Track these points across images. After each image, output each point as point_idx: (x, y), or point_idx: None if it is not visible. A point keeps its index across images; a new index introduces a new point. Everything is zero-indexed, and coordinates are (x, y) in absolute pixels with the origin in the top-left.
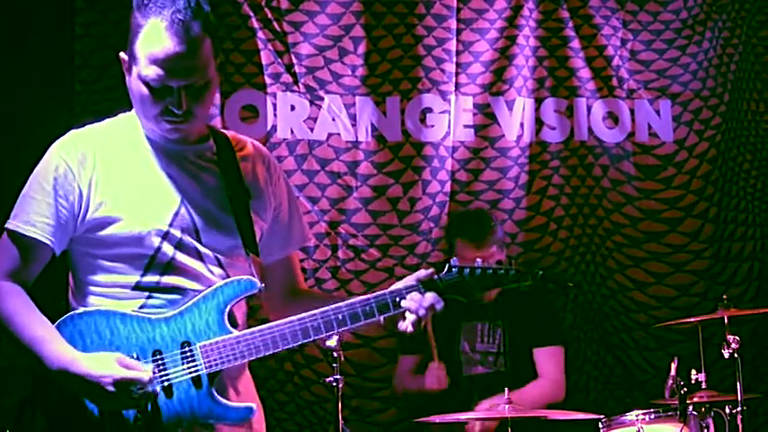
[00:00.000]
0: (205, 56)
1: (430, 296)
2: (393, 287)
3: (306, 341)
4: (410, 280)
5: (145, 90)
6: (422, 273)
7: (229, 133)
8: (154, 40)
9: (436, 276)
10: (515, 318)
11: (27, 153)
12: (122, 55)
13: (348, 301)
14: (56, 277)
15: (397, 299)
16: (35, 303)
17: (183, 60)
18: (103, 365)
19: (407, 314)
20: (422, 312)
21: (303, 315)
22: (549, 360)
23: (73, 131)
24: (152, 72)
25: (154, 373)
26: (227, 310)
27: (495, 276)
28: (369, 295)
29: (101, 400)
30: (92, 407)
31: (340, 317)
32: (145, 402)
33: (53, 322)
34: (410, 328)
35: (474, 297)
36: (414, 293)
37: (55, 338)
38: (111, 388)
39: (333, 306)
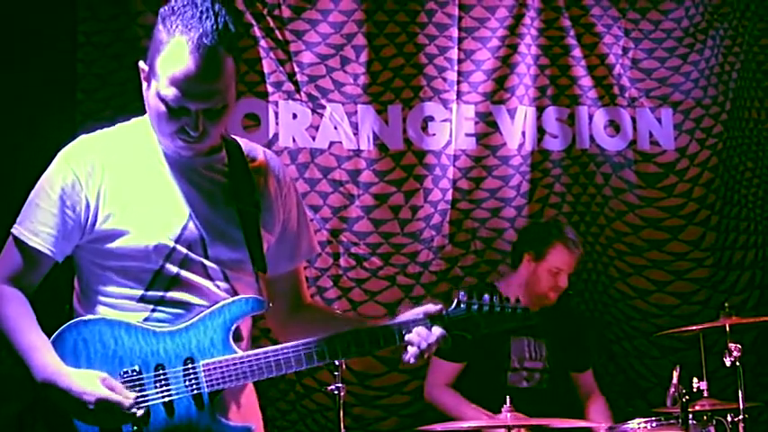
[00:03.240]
0: (226, 79)
1: (436, 331)
2: (400, 318)
3: (309, 366)
4: (418, 313)
5: (162, 107)
6: (431, 307)
7: (242, 142)
8: (176, 60)
9: (444, 312)
10: (556, 337)
11: (30, 161)
12: (142, 65)
13: (354, 328)
14: (61, 280)
15: (403, 331)
16: (39, 305)
17: (204, 85)
18: (87, 383)
19: (410, 348)
20: (424, 346)
21: (309, 340)
22: (593, 382)
23: (83, 137)
24: (171, 93)
25: (156, 386)
26: (233, 328)
27: (502, 314)
28: (375, 324)
29: (81, 416)
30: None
31: (345, 345)
32: (126, 425)
33: (57, 325)
34: (413, 361)
35: (480, 334)
36: (420, 328)
37: (45, 349)
38: (91, 406)
39: (339, 333)
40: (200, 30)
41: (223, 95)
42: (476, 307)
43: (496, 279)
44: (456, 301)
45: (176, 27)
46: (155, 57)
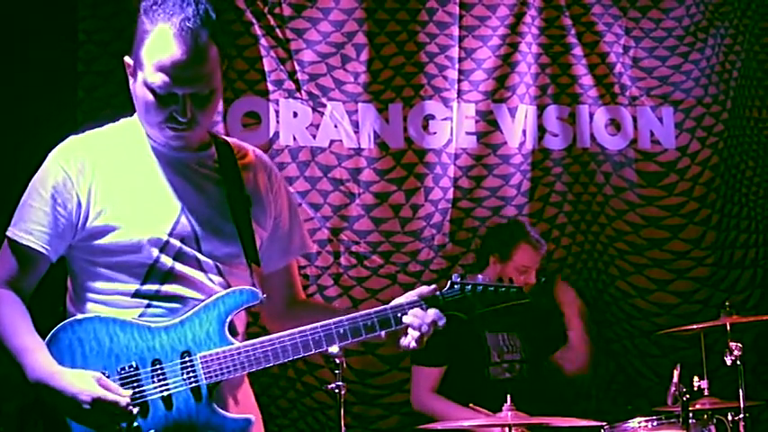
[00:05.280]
0: (211, 64)
1: (432, 312)
2: (395, 302)
3: (306, 354)
4: (412, 295)
5: (150, 96)
6: (424, 289)
7: (231, 140)
8: (161, 46)
9: (438, 293)
10: (527, 330)
11: (30, 160)
12: (127, 59)
13: (349, 315)
14: (54, 282)
15: (399, 314)
16: (33, 307)
17: (190, 68)
18: (82, 382)
19: (410, 330)
20: (424, 328)
21: (304, 327)
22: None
23: (72, 137)
24: (158, 79)
25: (153, 380)
26: (228, 320)
27: (496, 293)
28: (370, 310)
29: (76, 416)
30: None
31: (341, 330)
32: (122, 423)
33: (51, 327)
34: (413, 345)
35: (474, 314)
36: (416, 309)
37: (38, 349)
38: (86, 406)
39: (334, 319)
40: (182, 15)
41: (209, 80)
42: (469, 287)
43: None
44: (450, 282)
45: (159, 15)
46: (139, 47)
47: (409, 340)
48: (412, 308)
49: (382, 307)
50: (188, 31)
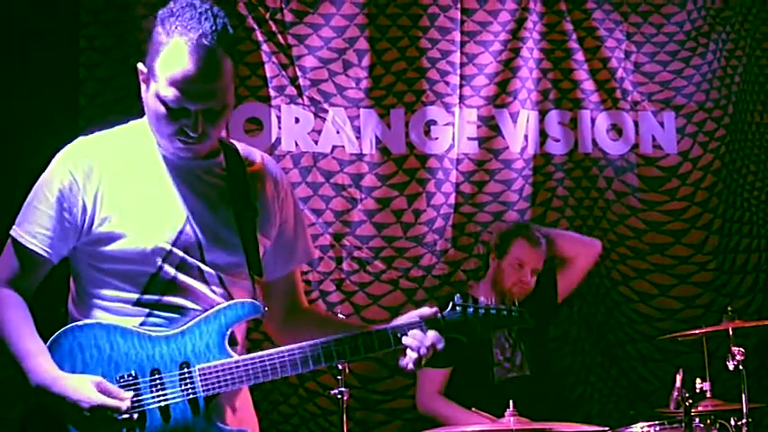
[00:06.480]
0: (225, 80)
1: (431, 335)
2: (395, 322)
3: (304, 370)
4: (413, 316)
5: (162, 109)
6: (425, 310)
7: (240, 146)
8: (175, 61)
9: (439, 315)
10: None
11: (31, 166)
12: (141, 66)
13: (349, 333)
14: (56, 283)
15: (399, 334)
16: (34, 308)
17: (204, 85)
18: (82, 388)
19: (408, 352)
20: (423, 351)
21: (304, 344)
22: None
23: (81, 139)
24: (170, 93)
25: (152, 390)
26: (229, 332)
27: (498, 317)
28: (370, 328)
29: (76, 422)
30: None
31: (340, 349)
32: (122, 428)
33: (52, 328)
34: (411, 366)
35: (475, 337)
36: (415, 331)
37: (40, 354)
38: (86, 413)
39: (334, 337)
40: (200, 31)
41: (222, 96)
42: (471, 310)
43: (469, 286)
44: (451, 304)
45: (175, 28)
46: (154, 58)
47: (407, 361)
48: (412, 329)
49: (382, 326)
50: (204, 48)
